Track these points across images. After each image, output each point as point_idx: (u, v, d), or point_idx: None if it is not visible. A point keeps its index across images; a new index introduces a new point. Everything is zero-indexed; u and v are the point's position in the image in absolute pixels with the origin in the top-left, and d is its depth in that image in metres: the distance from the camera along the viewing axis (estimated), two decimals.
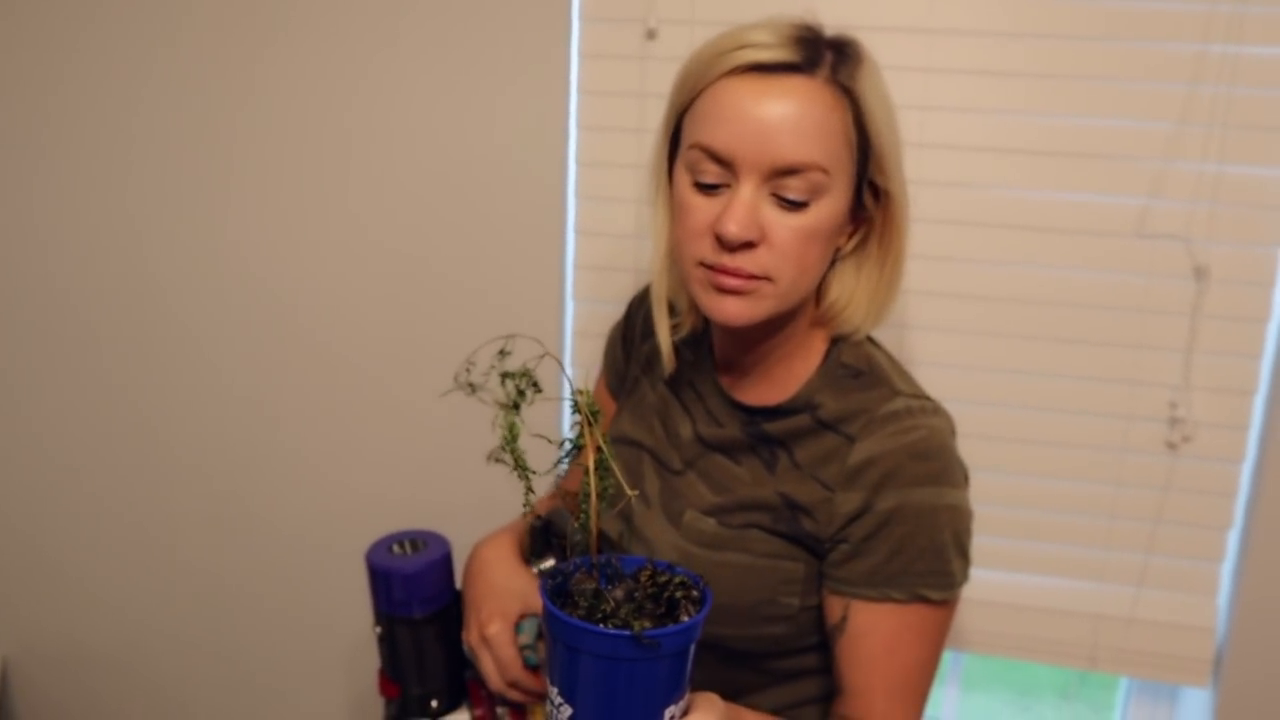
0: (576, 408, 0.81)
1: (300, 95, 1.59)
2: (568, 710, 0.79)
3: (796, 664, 1.09)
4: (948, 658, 1.69)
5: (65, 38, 1.63)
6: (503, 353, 0.82)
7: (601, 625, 0.76)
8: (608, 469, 0.81)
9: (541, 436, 0.83)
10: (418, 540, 1.12)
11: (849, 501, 1.01)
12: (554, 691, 0.81)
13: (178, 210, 1.66)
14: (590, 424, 0.79)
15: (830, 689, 1.08)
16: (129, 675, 1.91)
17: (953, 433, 1.06)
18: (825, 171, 0.95)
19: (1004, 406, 1.51)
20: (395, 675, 1.12)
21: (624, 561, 0.85)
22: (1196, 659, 1.50)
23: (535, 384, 0.79)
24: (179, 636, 1.87)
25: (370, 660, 1.76)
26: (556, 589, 0.82)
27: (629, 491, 0.79)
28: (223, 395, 1.73)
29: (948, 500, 1.01)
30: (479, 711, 1.13)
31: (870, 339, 1.12)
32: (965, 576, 1.03)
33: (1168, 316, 1.44)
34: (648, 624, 0.76)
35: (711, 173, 0.98)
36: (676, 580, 0.82)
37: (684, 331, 1.15)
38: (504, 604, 1.08)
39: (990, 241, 1.47)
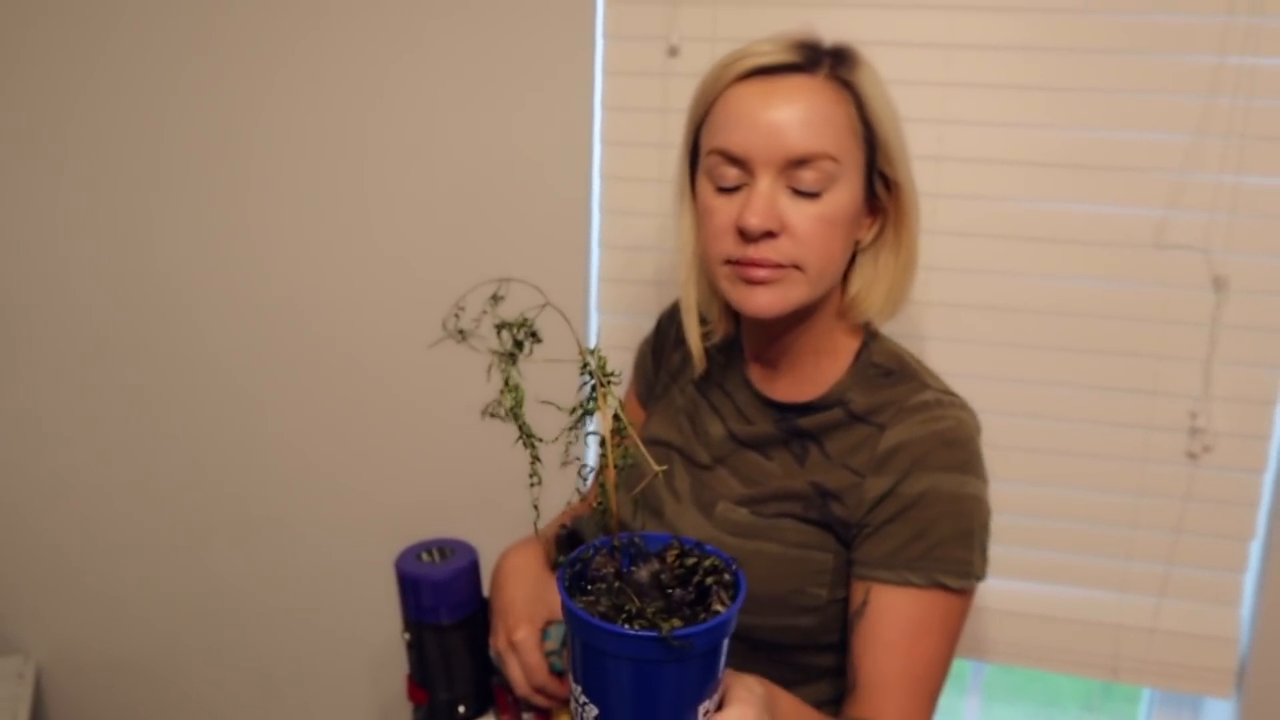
0: (586, 368, 0.73)
1: (323, 107, 1.62)
2: (593, 710, 0.74)
3: (816, 662, 1.10)
4: (969, 669, 1.70)
5: (85, 47, 1.66)
6: (495, 298, 0.76)
7: (626, 626, 0.70)
8: (626, 434, 0.75)
9: (550, 403, 0.77)
10: (445, 548, 1.14)
11: (877, 485, 1.03)
12: (578, 690, 0.76)
13: (201, 220, 1.70)
14: (604, 385, 0.73)
15: (840, 694, 1.08)
16: (159, 683, 1.93)
17: (978, 431, 1.09)
18: (835, 160, 1.00)
19: (1023, 417, 1.52)
20: (423, 681, 1.13)
21: (648, 539, 0.78)
22: (1219, 669, 1.50)
23: (534, 334, 0.73)
24: (207, 645, 1.89)
25: (397, 667, 1.78)
26: (576, 578, 0.76)
27: (655, 467, 0.75)
28: (249, 407, 1.76)
29: (973, 490, 1.04)
30: (505, 717, 1.14)
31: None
32: (983, 572, 1.04)
33: (1187, 327, 1.45)
34: (677, 622, 0.69)
35: (730, 175, 1.03)
36: (707, 562, 0.75)
37: (716, 338, 1.19)
38: (531, 610, 1.09)
39: (1009, 253, 1.48)
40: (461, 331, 0.76)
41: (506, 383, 0.71)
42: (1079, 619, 1.54)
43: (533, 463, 0.74)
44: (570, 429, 0.74)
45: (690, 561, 0.75)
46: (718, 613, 0.71)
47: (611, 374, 0.73)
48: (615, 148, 1.56)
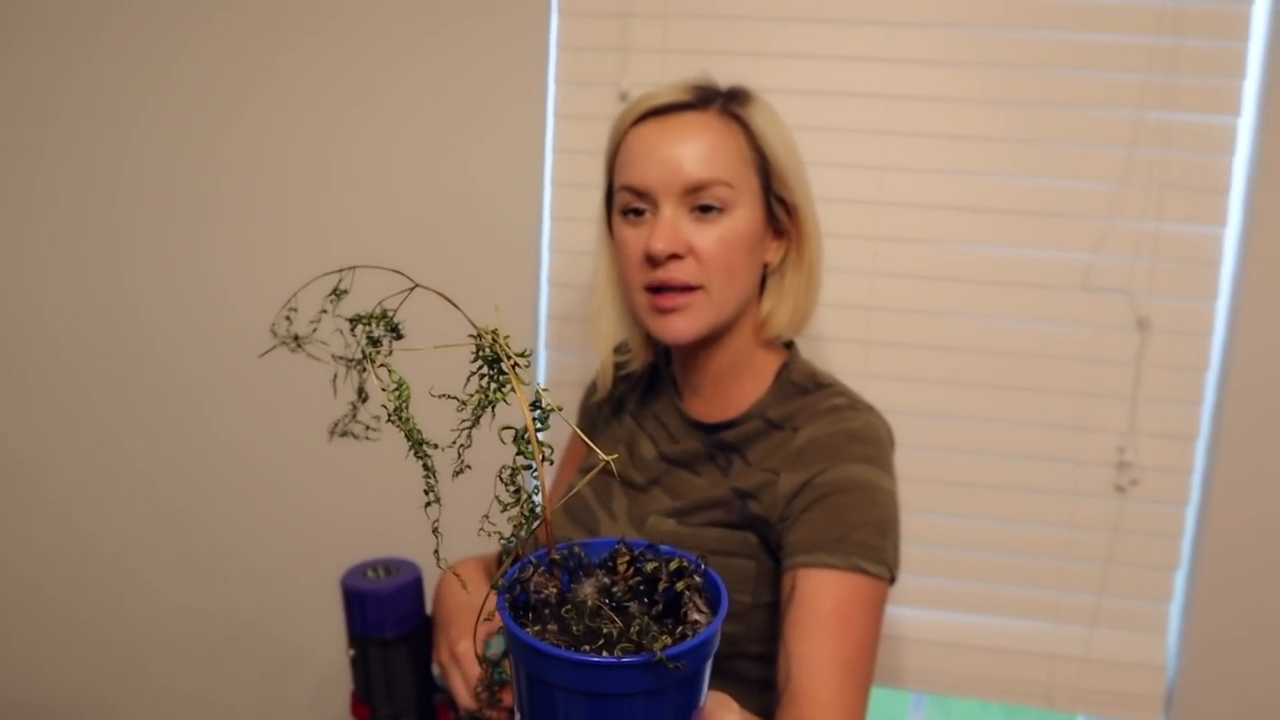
0: (480, 352, 0.60)
1: (286, 145, 1.66)
2: None
3: (743, 670, 1.12)
4: (910, 700, 1.73)
5: (57, 63, 1.69)
6: (337, 293, 0.67)
7: (602, 652, 0.56)
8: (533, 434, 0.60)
9: (452, 396, 0.61)
10: (390, 566, 1.17)
11: (791, 481, 1.08)
12: None
13: (164, 246, 1.72)
14: (508, 361, 0.60)
15: (765, 708, 1.06)
16: (103, 717, 1.91)
17: (890, 438, 1.15)
18: (729, 185, 1.10)
19: (959, 452, 1.57)
20: (366, 696, 1.15)
21: (589, 547, 0.65)
22: (1148, 696, 1.54)
23: (395, 329, 0.61)
24: (153, 677, 1.87)
25: (340, 692, 1.77)
26: (517, 605, 0.62)
27: (604, 456, 0.61)
28: (199, 430, 1.77)
29: (884, 484, 1.08)
30: None
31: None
32: (896, 567, 1.06)
33: (1113, 366, 1.51)
34: (667, 640, 0.57)
35: (636, 206, 1.13)
36: (673, 565, 0.62)
37: (636, 366, 1.28)
38: (473, 623, 1.12)
39: (944, 294, 1.54)
40: (296, 337, 0.71)
41: (399, 389, 0.59)
42: (1014, 649, 1.57)
43: (427, 476, 0.61)
44: (470, 426, 0.61)
45: (650, 567, 0.62)
46: (698, 623, 0.60)
47: (523, 353, 0.60)
48: (565, 189, 1.61)
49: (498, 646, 1.10)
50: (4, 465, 1.83)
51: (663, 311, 1.11)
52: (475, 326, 0.60)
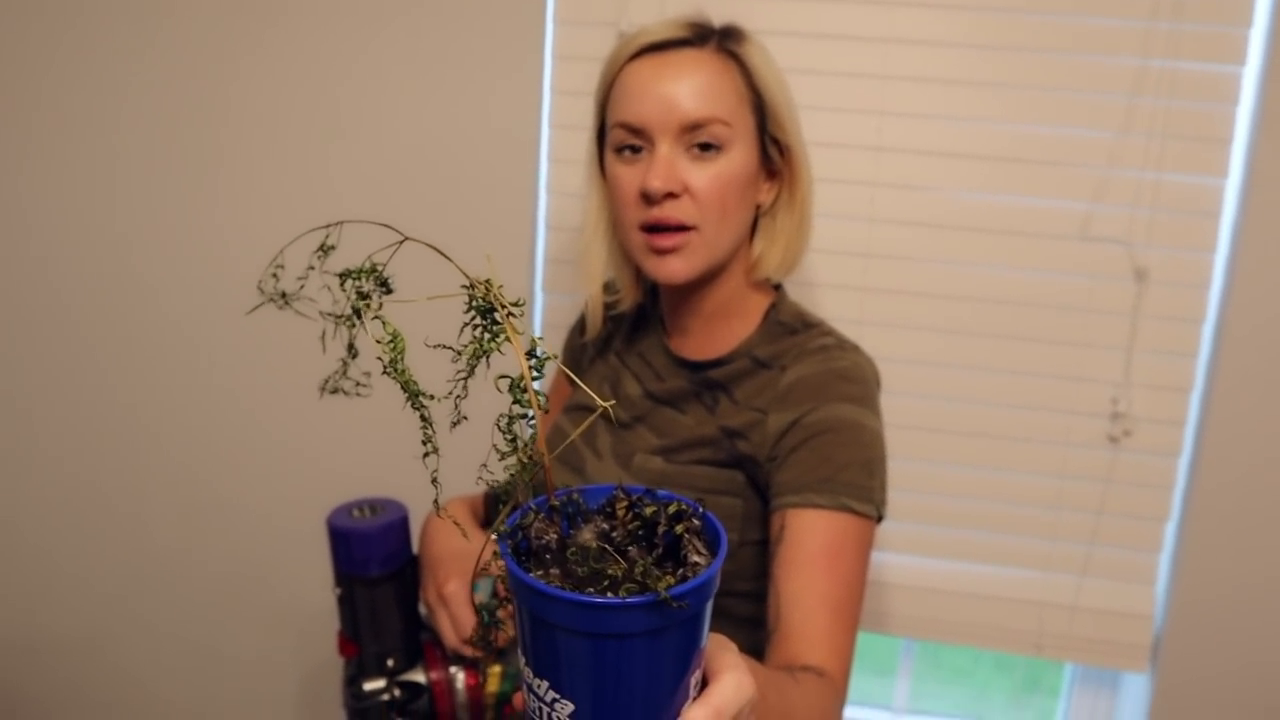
0: (473, 303, 0.60)
1: (284, 96, 1.65)
2: (568, 707, 0.60)
3: (732, 607, 1.12)
4: (899, 647, 1.74)
5: (52, 38, 1.68)
6: (325, 248, 0.66)
7: (605, 594, 0.57)
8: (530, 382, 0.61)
9: (447, 346, 0.61)
10: (376, 505, 1.17)
11: (780, 420, 1.09)
12: (542, 686, 0.61)
13: (161, 197, 1.71)
14: (505, 310, 0.60)
15: (754, 645, 1.07)
16: (95, 659, 1.93)
17: (876, 378, 1.15)
18: (726, 124, 1.09)
19: (953, 400, 1.56)
20: (353, 635, 1.16)
21: (587, 494, 0.66)
22: (1136, 645, 1.56)
23: (385, 283, 0.61)
24: (146, 620, 1.89)
25: (328, 634, 1.79)
26: (518, 550, 0.62)
27: (601, 402, 0.63)
28: (196, 379, 1.77)
29: (870, 424, 1.09)
30: (434, 674, 1.16)
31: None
32: (884, 505, 1.07)
33: (1109, 316, 1.51)
34: (670, 580, 0.58)
35: (632, 144, 1.11)
36: (671, 509, 0.64)
37: (625, 306, 1.27)
38: (461, 564, 1.12)
39: (942, 242, 1.53)
40: (284, 294, 0.70)
41: (394, 342, 0.59)
42: (1003, 597, 1.58)
43: (424, 427, 0.61)
44: (465, 377, 0.61)
45: (649, 511, 0.63)
46: (698, 565, 0.61)
47: (516, 302, 0.60)
48: (563, 131, 1.60)
49: (485, 588, 1.11)
50: (2, 415, 1.84)
51: (659, 252, 1.11)
52: (467, 277, 0.60)
